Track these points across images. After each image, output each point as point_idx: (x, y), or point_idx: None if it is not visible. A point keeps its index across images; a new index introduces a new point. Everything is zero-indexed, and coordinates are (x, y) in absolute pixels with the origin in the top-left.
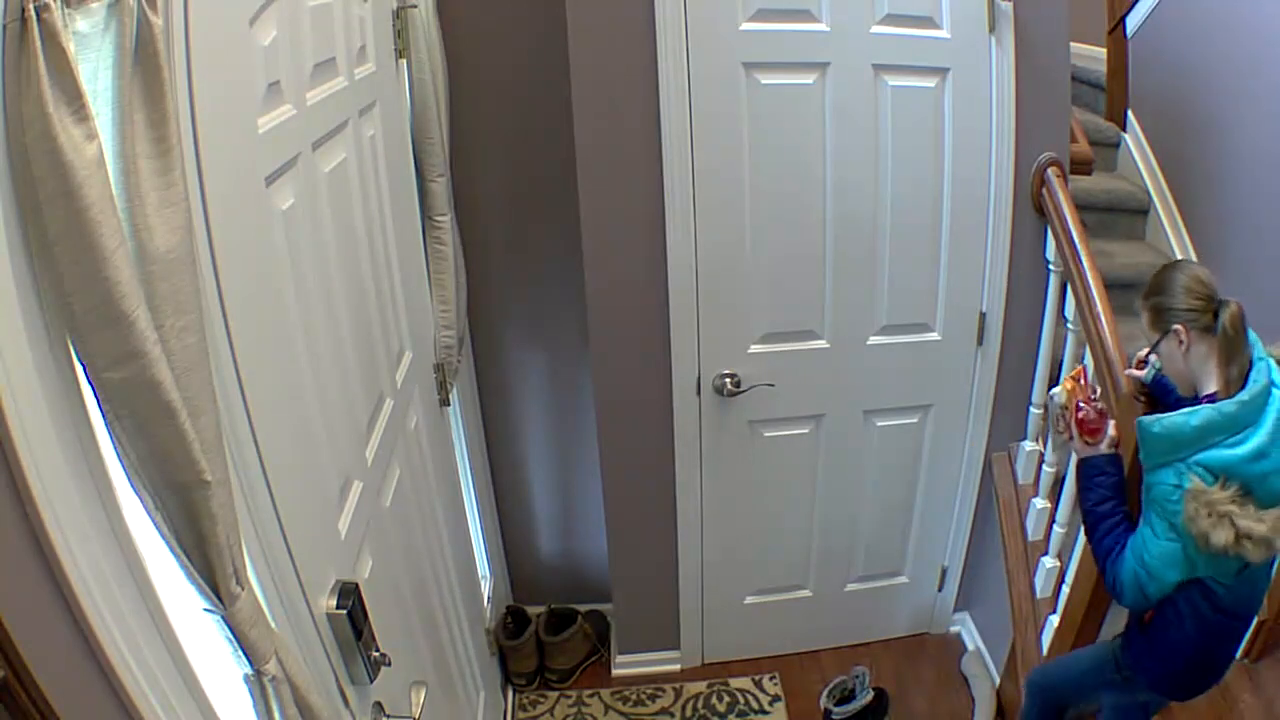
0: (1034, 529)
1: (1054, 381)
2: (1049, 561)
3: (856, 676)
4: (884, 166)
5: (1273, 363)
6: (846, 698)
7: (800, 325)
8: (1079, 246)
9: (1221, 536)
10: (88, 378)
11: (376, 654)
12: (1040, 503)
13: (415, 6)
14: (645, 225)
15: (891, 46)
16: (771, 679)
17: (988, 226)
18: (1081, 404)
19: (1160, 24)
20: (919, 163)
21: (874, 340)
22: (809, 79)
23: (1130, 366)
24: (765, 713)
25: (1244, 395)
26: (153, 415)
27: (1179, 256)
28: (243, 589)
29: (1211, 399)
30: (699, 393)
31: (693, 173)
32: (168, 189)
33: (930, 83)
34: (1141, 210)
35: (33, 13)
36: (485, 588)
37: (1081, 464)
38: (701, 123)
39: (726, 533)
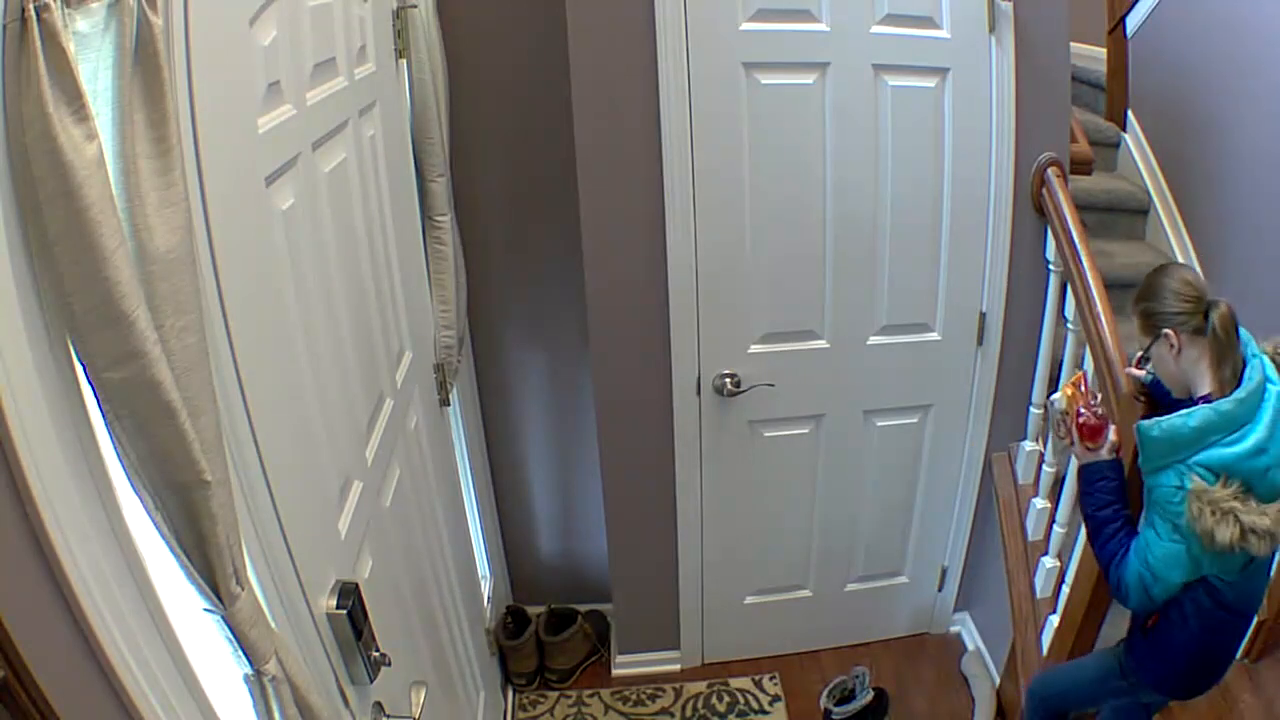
0: (1034, 529)
1: (1054, 381)
2: (1049, 561)
3: (856, 676)
4: (884, 166)
5: (1266, 359)
6: (846, 698)
7: (800, 325)
8: (1079, 246)
9: (1226, 533)
10: (88, 378)
11: (376, 654)
12: (1040, 503)
13: (415, 6)
14: (645, 225)
15: (891, 46)
16: (771, 679)
17: (988, 226)
18: (1082, 410)
19: (1160, 24)
20: (919, 163)
21: (874, 340)
22: (809, 79)
23: (1130, 365)
24: (765, 713)
25: (1240, 393)
26: (153, 415)
27: (1179, 256)
28: (243, 589)
29: (1207, 400)
30: (699, 393)
31: (693, 173)
32: (168, 189)
33: (930, 83)
34: (1141, 210)
35: (33, 13)
36: (485, 588)
37: (1083, 469)
38: (701, 123)
39: (726, 533)
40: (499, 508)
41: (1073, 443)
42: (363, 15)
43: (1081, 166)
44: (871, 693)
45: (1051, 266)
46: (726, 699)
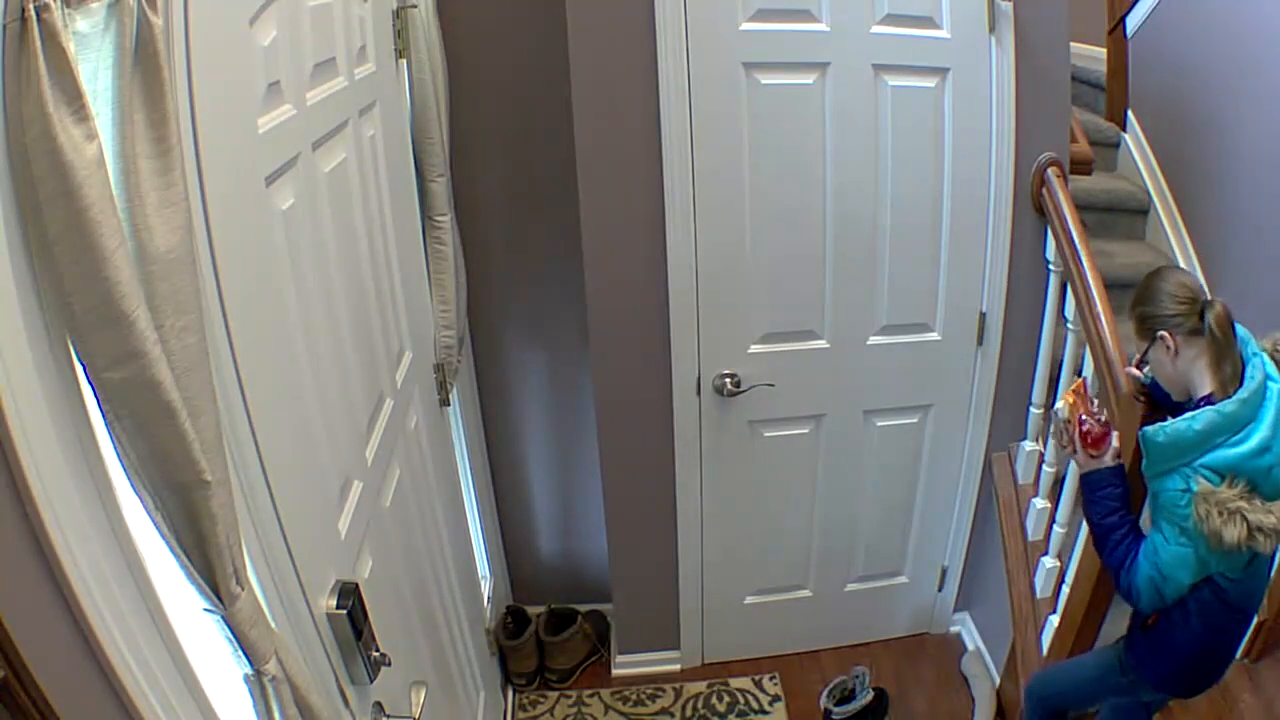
0: (1034, 529)
1: (1054, 381)
2: (1049, 561)
3: (856, 676)
4: (884, 166)
5: (1266, 358)
6: (846, 698)
7: (800, 325)
8: (1079, 246)
9: (1234, 533)
10: (88, 378)
11: (376, 654)
12: (1040, 503)
13: (415, 6)
14: (645, 225)
15: (891, 46)
16: (771, 679)
17: (988, 226)
18: (1084, 417)
19: (1160, 24)
20: (919, 163)
21: (874, 340)
22: (809, 79)
23: (1130, 365)
24: (765, 713)
25: (1242, 393)
26: (153, 415)
27: (1179, 256)
28: (243, 589)
29: (1208, 401)
30: (699, 393)
31: (693, 173)
32: (168, 189)
33: (930, 83)
34: (1141, 210)
35: (33, 13)
36: (485, 588)
37: (1086, 478)
38: (701, 123)
39: (726, 533)
40: (499, 508)
41: (1075, 450)
42: (363, 15)
43: (1081, 166)
44: (871, 693)
45: (1051, 266)
46: (726, 699)
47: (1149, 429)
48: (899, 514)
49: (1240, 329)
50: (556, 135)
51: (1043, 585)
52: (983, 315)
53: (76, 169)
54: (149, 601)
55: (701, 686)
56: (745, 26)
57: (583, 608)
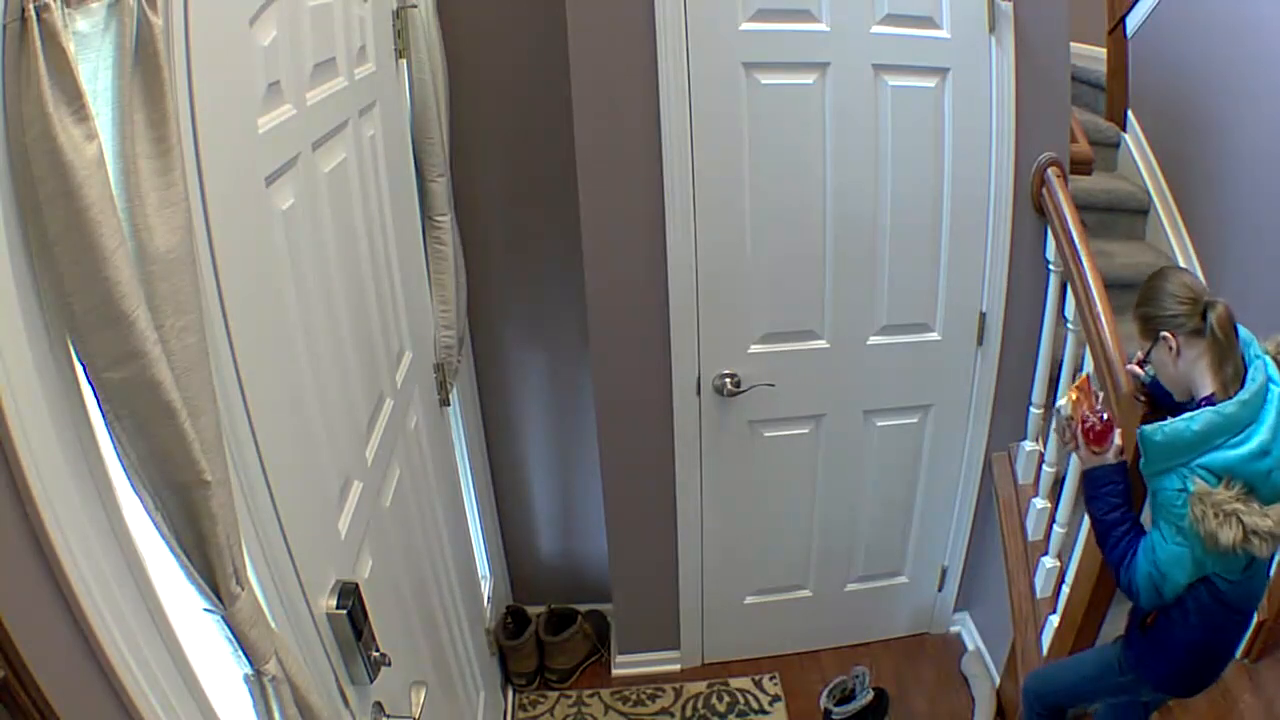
0: (1034, 529)
1: (1054, 381)
2: (1049, 561)
3: (856, 676)
4: (884, 166)
5: (1269, 359)
6: (846, 698)
7: (800, 325)
8: (1079, 246)
9: (1229, 535)
10: (88, 378)
11: (376, 654)
12: (1040, 503)
13: (415, 6)
14: (645, 225)
15: (891, 46)
16: (771, 679)
17: (988, 226)
18: (1087, 414)
19: (1160, 24)
20: (919, 163)
21: (874, 340)
22: (809, 79)
23: (1131, 364)
24: (765, 713)
25: (1243, 395)
26: (153, 415)
27: (1179, 256)
28: (243, 589)
29: (1210, 401)
30: (699, 393)
31: (693, 173)
32: (168, 189)
33: (930, 83)
34: (1141, 210)
35: (33, 13)
36: (485, 588)
37: (1088, 474)
38: (701, 123)
39: (726, 533)
40: (499, 508)
41: (1078, 446)
42: (363, 15)
43: (1081, 166)
44: (871, 693)
45: (1051, 266)
46: (726, 699)
47: (1147, 428)
48: (899, 514)
49: (1243, 331)
50: (556, 135)
51: (1043, 585)
52: (983, 315)
53: (76, 169)
54: (149, 601)
55: (701, 686)
56: (745, 26)
57: (583, 608)
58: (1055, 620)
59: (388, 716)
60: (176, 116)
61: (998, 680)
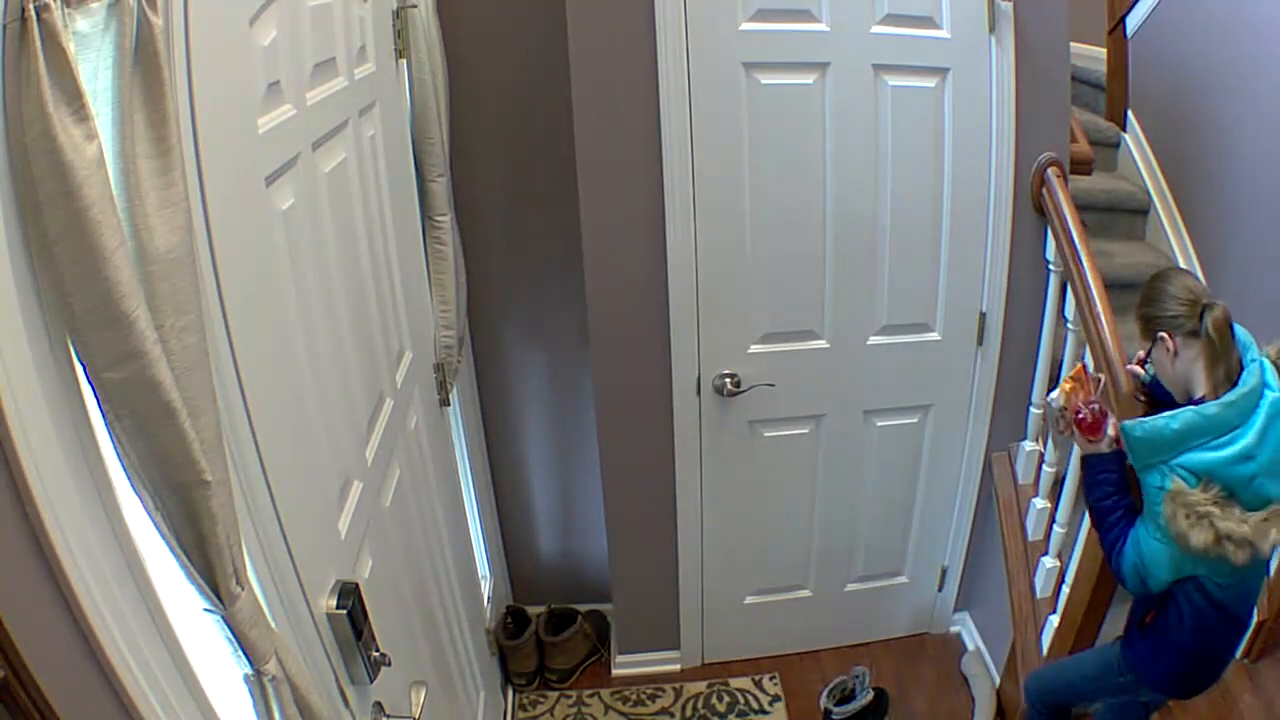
0: (1034, 529)
1: (1054, 381)
2: (1049, 561)
3: (856, 676)
4: (884, 166)
5: (1267, 364)
6: (846, 698)
7: (800, 325)
8: (1079, 246)
9: (1199, 538)
10: (88, 378)
11: (376, 654)
12: (1040, 503)
13: (415, 6)
14: (645, 225)
15: (891, 46)
16: (771, 679)
17: (988, 226)
18: (1080, 406)
19: (1160, 24)
20: (919, 163)
21: (874, 340)
22: (809, 79)
23: (1131, 363)
24: (765, 713)
25: (1229, 397)
26: (153, 415)
27: (1179, 256)
28: (243, 589)
29: (1201, 402)
30: (699, 393)
31: (693, 173)
32: (168, 189)
33: (930, 83)
34: (1141, 210)
35: (33, 13)
36: (485, 588)
37: (1085, 460)
38: (701, 123)
39: (726, 533)
40: (499, 508)
41: (1073, 435)
42: (363, 15)
43: (1081, 166)
44: (871, 693)
45: (1051, 266)
46: (726, 699)
47: (1128, 423)
48: (899, 514)
49: (1244, 334)
50: (556, 135)
51: (1043, 585)
52: (983, 315)
53: (76, 169)
54: (149, 601)
55: (701, 686)
56: (745, 26)
57: (583, 608)
58: (1055, 620)
59: (388, 716)
60: (176, 116)
61: (998, 680)
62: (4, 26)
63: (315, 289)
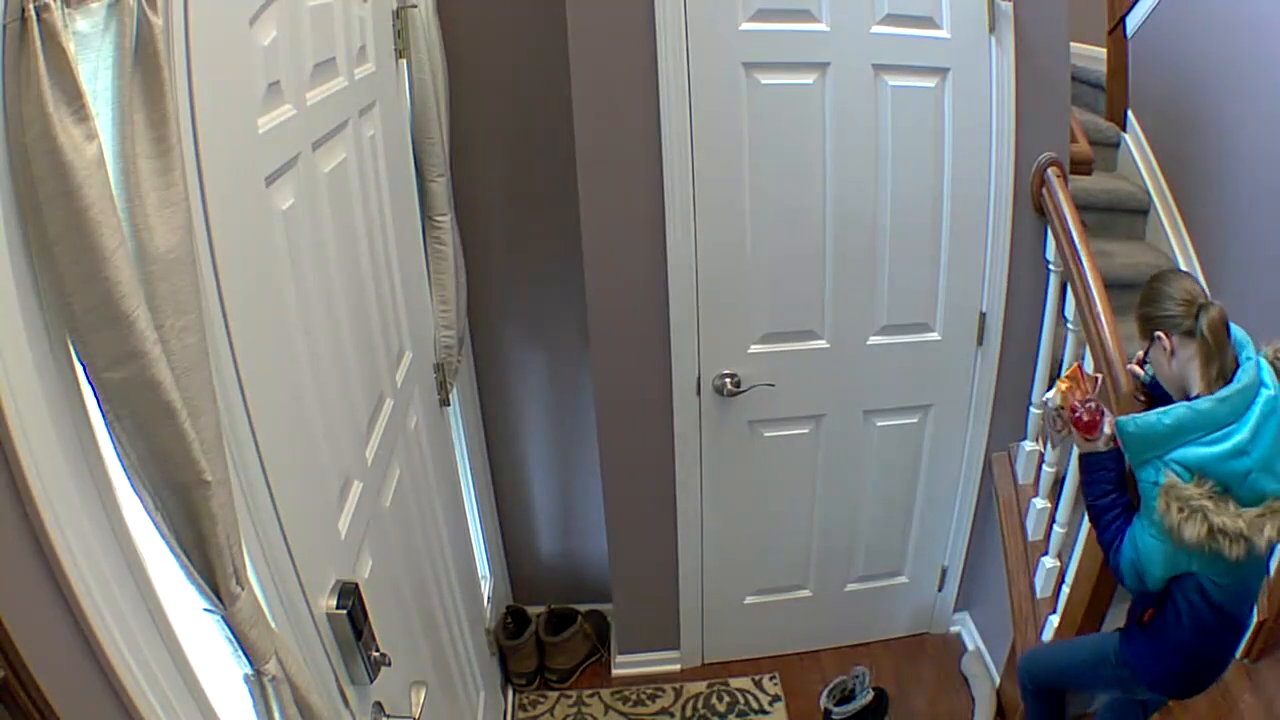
0: (1034, 529)
1: (1054, 382)
2: (1049, 561)
3: (856, 676)
4: (884, 166)
5: (1264, 362)
6: (846, 698)
7: (800, 325)
8: (1079, 246)
9: (1192, 531)
10: (88, 378)
11: (376, 654)
12: (1040, 503)
13: (415, 6)
14: (645, 225)
15: (891, 46)
16: (771, 679)
17: (988, 226)
18: (1076, 404)
19: (1160, 24)
20: (919, 163)
21: (874, 340)
22: (809, 79)
23: (1131, 363)
24: (765, 713)
25: (1223, 393)
26: (153, 415)
27: (1179, 256)
28: (243, 589)
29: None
30: (699, 393)
31: (693, 173)
32: (168, 189)
33: (930, 83)
34: (1141, 210)
35: (33, 13)
36: (485, 588)
37: (1082, 459)
38: (701, 123)
39: (726, 532)
40: (499, 508)
41: (1070, 433)
42: (363, 15)
43: (1081, 166)
44: (871, 693)
45: (1051, 266)
46: (726, 699)
47: (1122, 418)
48: (899, 514)
49: (1240, 334)
50: (556, 135)
51: (1043, 585)
52: (983, 315)
53: (76, 169)
54: (149, 601)
55: (701, 686)
56: (745, 26)
57: (583, 608)
58: (1055, 620)
59: (388, 716)
60: (176, 116)
61: (998, 680)
62: (4, 26)
63: (315, 289)
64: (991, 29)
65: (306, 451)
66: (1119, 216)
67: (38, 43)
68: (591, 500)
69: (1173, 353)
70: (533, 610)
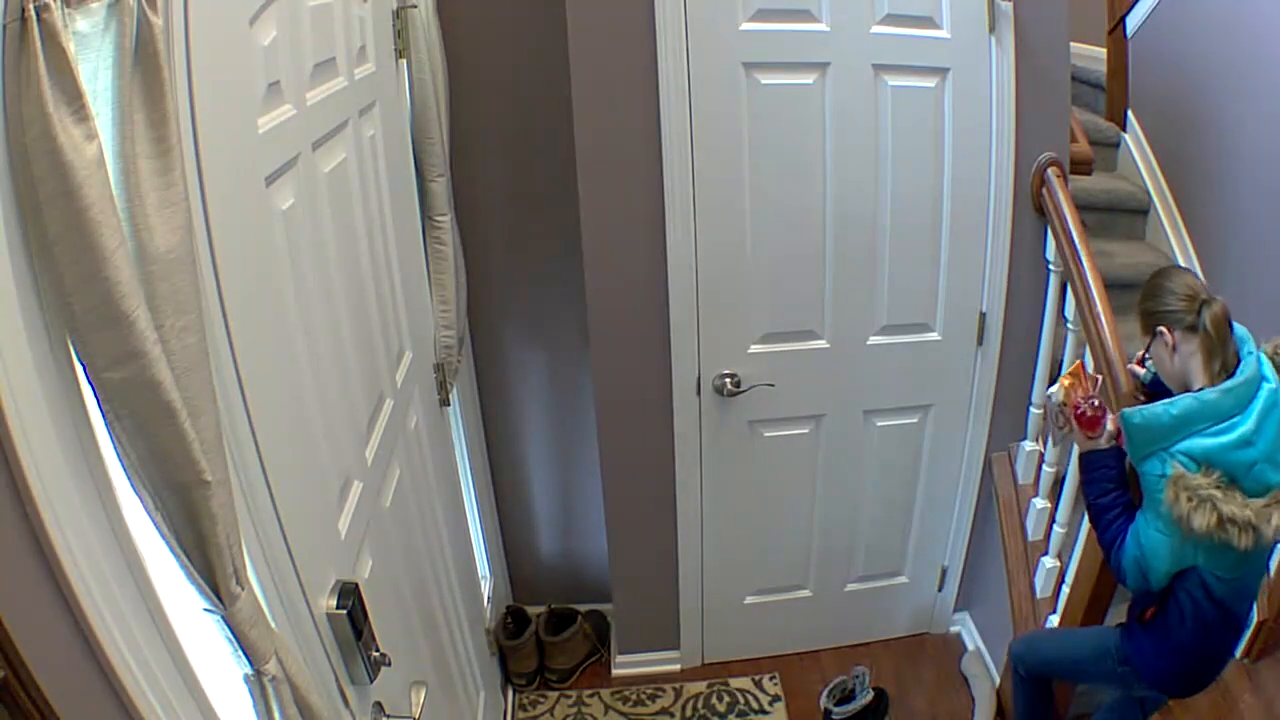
0: (1034, 529)
1: (1054, 381)
2: (1049, 561)
3: (856, 676)
4: (884, 166)
5: (1264, 356)
6: (846, 698)
7: (800, 325)
8: (1079, 246)
9: (1202, 520)
10: (88, 378)
11: (376, 654)
12: (1040, 503)
13: (415, 6)
14: (645, 225)
15: (891, 46)
16: (771, 679)
17: (988, 226)
18: (1080, 401)
19: (1160, 24)
20: (919, 163)
21: (874, 340)
22: (809, 79)
23: (1131, 363)
24: (765, 713)
25: (1227, 384)
26: (153, 415)
27: (1179, 256)
28: (243, 589)
29: None
30: (699, 393)
31: (693, 173)
32: (168, 189)
33: (930, 83)
34: (1141, 210)
35: (33, 13)
36: (485, 588)
37: (1083, 458)
38: (701, 123)
39: (726, 533)
40: (499, 508)
41: (1072, 431)
42: (363, 15)
43: (1081, 166)
44: (871, 693)
45: (1051, 266)
46: (726, 699)
47: (1127, 410)
48: (899, 514)
49: (1240, 329)
50: (556, 135)
51: (1043, 585)
52: (983, 315)
53: (76, 169)
54: (149, 601)
55: (701, 686)
56: (745, 26)
57: (583, 608)
58: (1055, 620)
59: (388, 716)
60: (176, 116)
61: (998, 680)
62: (4, 26)
63: (315, 289)
64: (991, 29)
65: (306, 451)
66: (1119, 216)
67: (38, 43)
68: (591, 500)
69: (1175, 348)
70: (533, 610)
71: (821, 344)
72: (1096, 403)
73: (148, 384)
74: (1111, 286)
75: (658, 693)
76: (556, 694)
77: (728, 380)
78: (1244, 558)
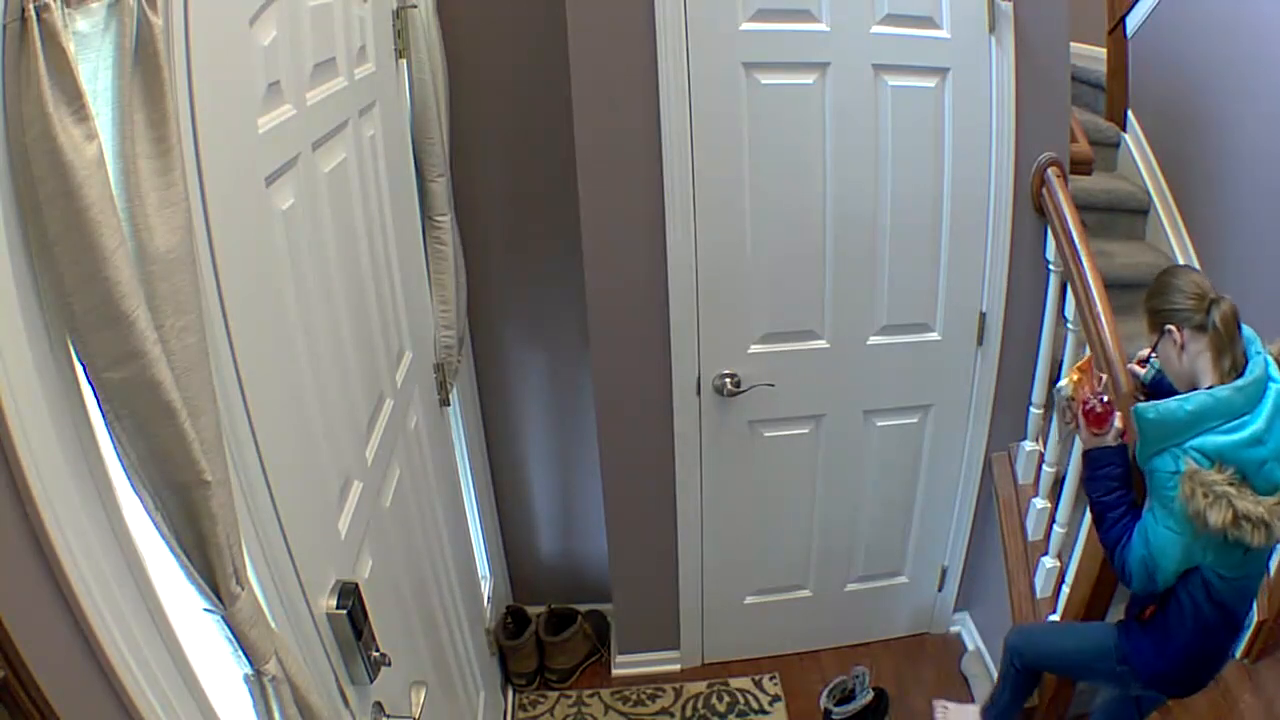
0: (1034, 529)
1: (1054, 382)
2: (1049, 561)
3: (856, 676)
4: (884, 166)
5: (1270, 357)
6: (846, 698)
7: (800, 325)
8: (1079, 246)
9: (1218, 516)
10: (88, 378)
11: (376, 654)
12: (1040, 503)
13: (415, 6)
14: (645, 225)
15: (891, 46)
16: (771, 679)
17: (988, 226)
18: (1089, 396)
19: (1160, 24)
20: (919, 163)
21: (874, 340)
22: (809, 79)
23: (1132, 363)
24: (765, 713)
25: (1239, 382)
26: (153, 415)
27: (1179, 256)
28: (243, 589)
29: None
30: (699, 393)
31: (693, 173)
32: (168, 189)
33: (930, 83)
34: (1141, 210)
35: (33, 13)
36: (485, 588)
37: (1087, 456)
38: (701, 123)
39: (726, 533)
40: (499, 508)
41: (1079, 427)
42: (363, 15)
43: (1081, 166)
44: (871, 693)
45: (1051, 266)
46: (726, 699)
47: (1140, 405)
48: (899, 514)
49: (1246, 329)
50: (556, 135)
51: (1043, 585)
52: (983, 315)
53: (76, 169)
54: (149, 601)
55: (701, 686)
56: (745, 26)
57: (583, 608)
58: (1055, 620)
59: (388, 716)
60: (176, 116)
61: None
62: (4, 26)
63: (315, 289)
64: (991, 29)
65: (306, 451)
66: (1119, 216)
67: (38, 43)
68: (591, 500)
69: (1183, 346)
70: (533, 610)
71: (821, 344)
72: (1106, 398)
73: (148, 384)
74: (1111, 286)
75: (658, 693)
76: (556, 694)
77: (728, 380)
78: (1248, 557)
